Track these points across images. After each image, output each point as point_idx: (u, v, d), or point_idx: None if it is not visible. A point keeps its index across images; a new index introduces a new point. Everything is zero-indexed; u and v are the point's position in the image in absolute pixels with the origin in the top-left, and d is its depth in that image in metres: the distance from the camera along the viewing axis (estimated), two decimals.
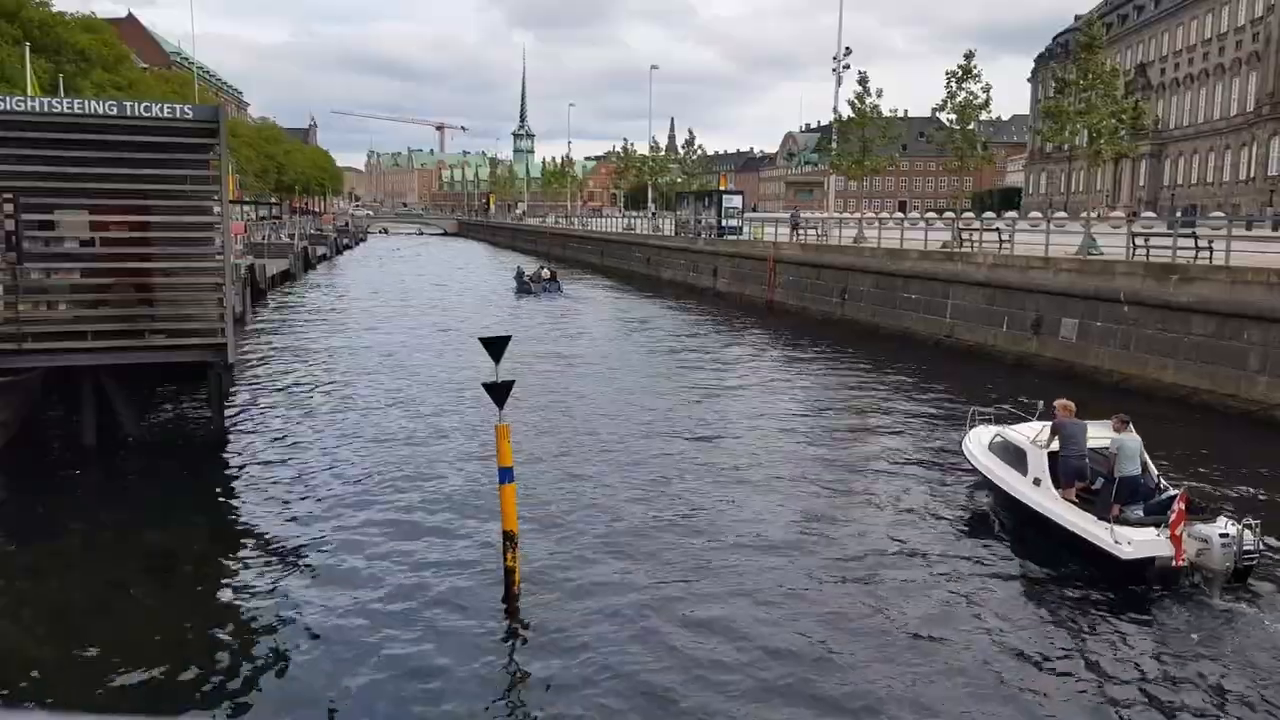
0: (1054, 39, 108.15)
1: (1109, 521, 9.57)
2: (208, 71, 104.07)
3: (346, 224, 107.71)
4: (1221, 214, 50.55)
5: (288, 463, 14.06)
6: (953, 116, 32.20)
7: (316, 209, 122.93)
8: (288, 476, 13.37)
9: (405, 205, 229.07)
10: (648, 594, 9.41)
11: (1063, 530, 10.12)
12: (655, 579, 9.79)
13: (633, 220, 72.71)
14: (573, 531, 11.13)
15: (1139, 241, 21.66)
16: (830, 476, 13.81)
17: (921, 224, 37.17)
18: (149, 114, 13.57)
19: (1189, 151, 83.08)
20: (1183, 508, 9.20)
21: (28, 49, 34.48)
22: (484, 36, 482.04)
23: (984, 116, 33.61)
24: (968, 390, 19.48)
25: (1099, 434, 10.76)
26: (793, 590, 9.62)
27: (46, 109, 13.63)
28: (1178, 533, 9.10)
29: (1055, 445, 10.74)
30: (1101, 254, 23.40)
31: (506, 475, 8.92)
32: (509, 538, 8.92)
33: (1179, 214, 51.96)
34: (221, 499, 12.73)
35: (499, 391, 8.94)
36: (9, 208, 13.23)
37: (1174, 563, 9.12)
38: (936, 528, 11.54)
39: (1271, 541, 10.14)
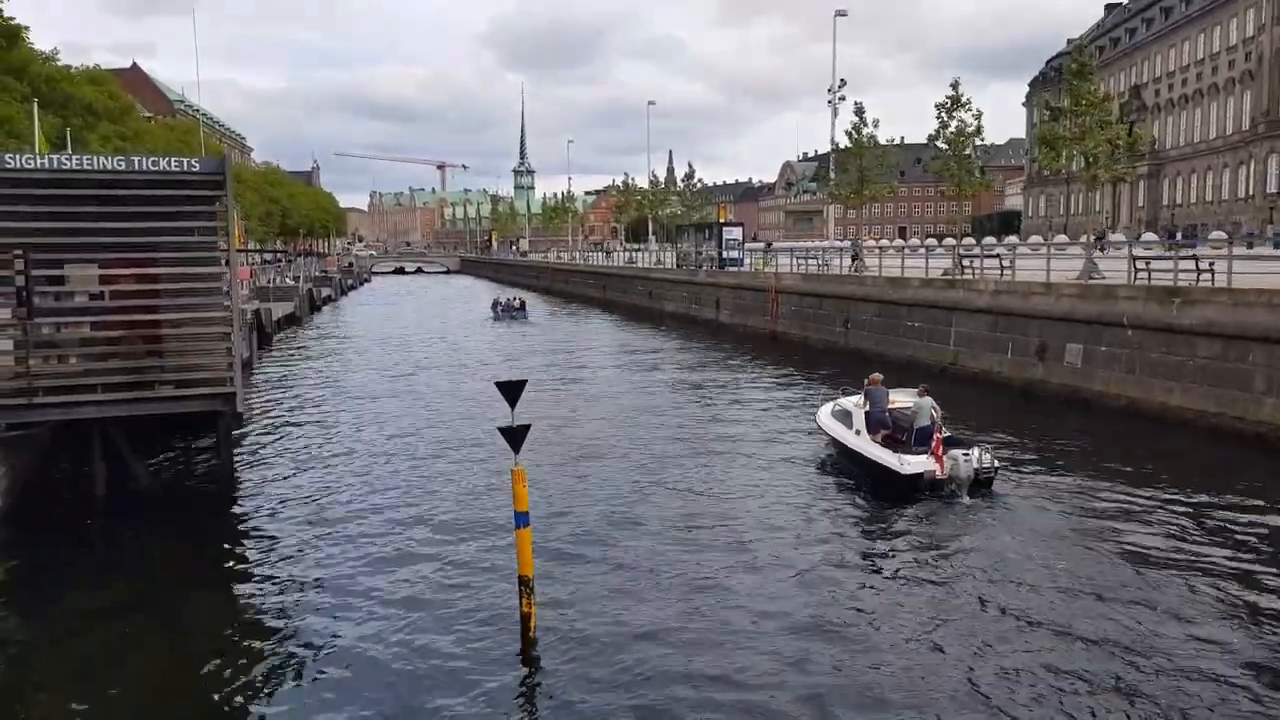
0: (1047, 63, 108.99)
1: (898, 454, 14.05)
2: (211, 118, 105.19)
3: (350, 265, 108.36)
4: (1222, 233, 50.63)
5: (297, 509, 14.09)
6: (945, 146, 32.41)
7: (321, 250, 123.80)
8: (297, 523, 13.39)
9: (408, 244, 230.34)
10: (666, 639, 9.35)
11: (870, 461, 14.53)
12: (675, 624, 9.71)
13: (634, 254, 73.04)
14: (589, 576, 11.08)
15: (1140, 264, 21.72)
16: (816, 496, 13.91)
17: (921, 250, 37.20)
18: (156, 169, 13.79)
19: (1187, 171, 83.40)
20: (939, 438, 13.93)
21: (35, 105, 34.96)
22: (478, 77, 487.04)
23: (978, 142, 33.80)
24: (977, 419, 19.46)
25: (905, 399, 15.46)
26: (813, 642, 9.59)
27: (56, 166, 13.85)
28: (939, 455, 13.59)
29: (868, 406, 15.22)
30: (1103, 278, 23.47)
31: (522, 519, 8.90)
32: (525, 583, 8.91)
33: (1178, 234, 52.21)
34: (231, 547, 12.75)
35: (515, 435, 8.97)
36: (20, 264, 13.40)
37: (936, 475, 13.55)
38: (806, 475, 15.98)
39: (1013, 466, 14.81)
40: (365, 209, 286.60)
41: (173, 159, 14.31)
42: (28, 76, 39.05)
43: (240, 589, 11.26)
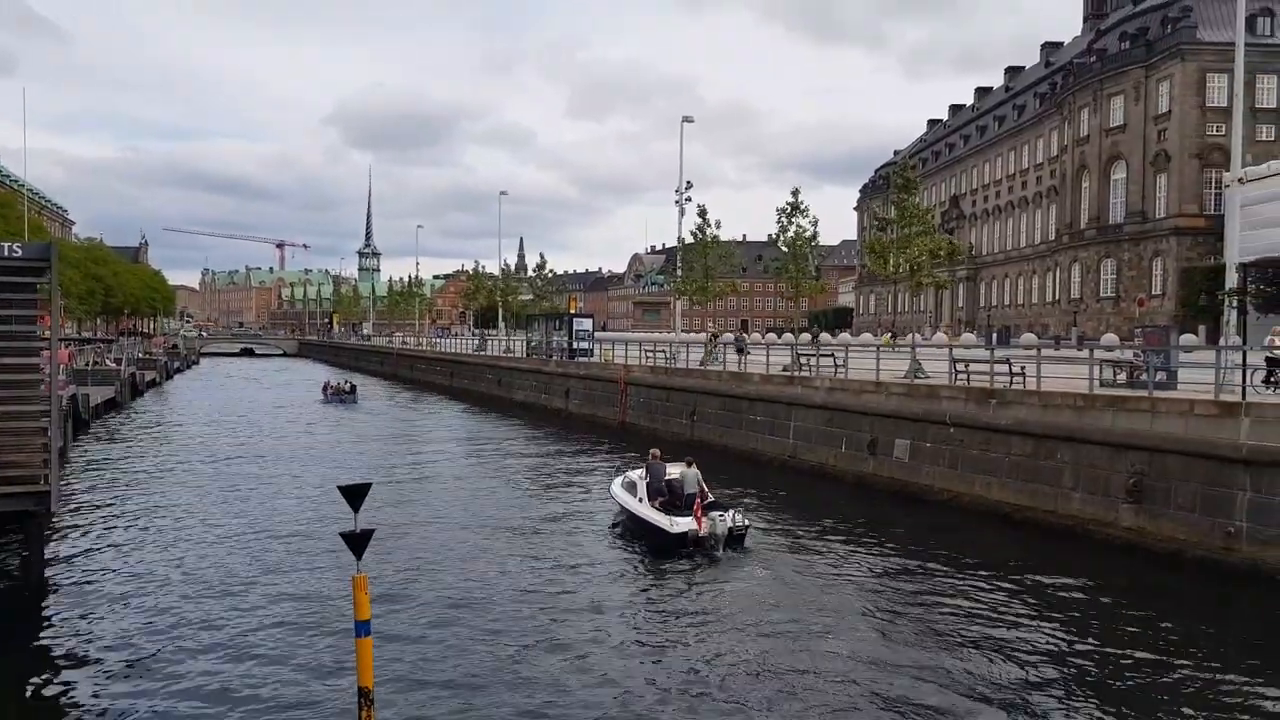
0: (876, 171, 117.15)
1: (670, 516, 16.82)
2: (33, 189, 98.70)
3: (177, 346, 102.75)
4: (1033, 335, 54.92)
5: (113, 618, 13.06)
6: (785, 249, 34.26)
7: (147, 330, 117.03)
8: (113, 634, 12.41)
9: (241, 324, 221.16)
10: None
11: (648, 524, 17.23)
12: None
13: (483, 340, 72.56)
14: (432, 687, 10.75)
15: (960, 367, 23.32)
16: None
17: (763, 345, 38.52)
18: None
19: (1001, 276, 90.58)
20: (700, 501, 17.00)
21: None
22: (323, 156, 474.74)
23: (814, 243, 35.84)
24: (798, 505, 20.18)
25: (675, 470, 18.33)
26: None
27: None
28: (699, 515, 16.41)
29: (649, 478, 18.09)
30: (928, 378, 25.05)
31: (363, 628, 8.55)
32: (364, 694, 8.55)
33: (994, 335, 56.46)
34: (37, 664, 11.62)
35: (357, 541, 8.67)
36: None
37: (698, 533, 16.26)
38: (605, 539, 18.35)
39: (758, 523, 18.40)
40: (197, 287, 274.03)
41: None
42: None
43: (43, 712, 10.27)
